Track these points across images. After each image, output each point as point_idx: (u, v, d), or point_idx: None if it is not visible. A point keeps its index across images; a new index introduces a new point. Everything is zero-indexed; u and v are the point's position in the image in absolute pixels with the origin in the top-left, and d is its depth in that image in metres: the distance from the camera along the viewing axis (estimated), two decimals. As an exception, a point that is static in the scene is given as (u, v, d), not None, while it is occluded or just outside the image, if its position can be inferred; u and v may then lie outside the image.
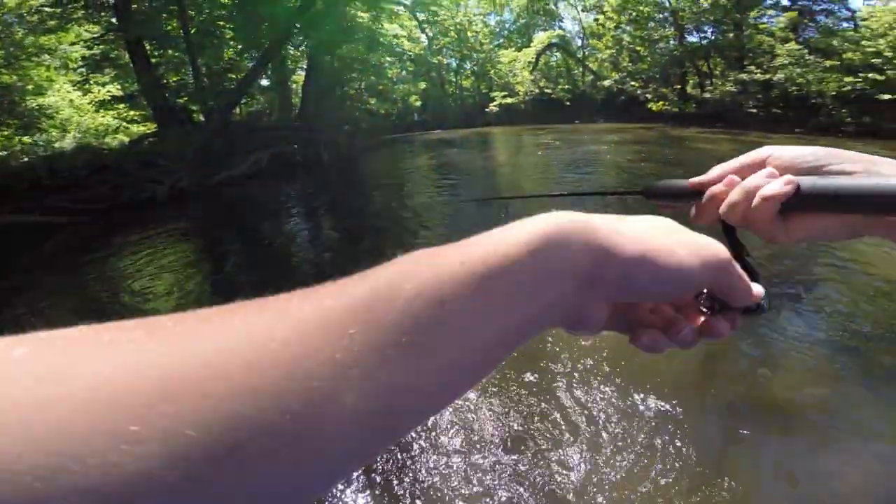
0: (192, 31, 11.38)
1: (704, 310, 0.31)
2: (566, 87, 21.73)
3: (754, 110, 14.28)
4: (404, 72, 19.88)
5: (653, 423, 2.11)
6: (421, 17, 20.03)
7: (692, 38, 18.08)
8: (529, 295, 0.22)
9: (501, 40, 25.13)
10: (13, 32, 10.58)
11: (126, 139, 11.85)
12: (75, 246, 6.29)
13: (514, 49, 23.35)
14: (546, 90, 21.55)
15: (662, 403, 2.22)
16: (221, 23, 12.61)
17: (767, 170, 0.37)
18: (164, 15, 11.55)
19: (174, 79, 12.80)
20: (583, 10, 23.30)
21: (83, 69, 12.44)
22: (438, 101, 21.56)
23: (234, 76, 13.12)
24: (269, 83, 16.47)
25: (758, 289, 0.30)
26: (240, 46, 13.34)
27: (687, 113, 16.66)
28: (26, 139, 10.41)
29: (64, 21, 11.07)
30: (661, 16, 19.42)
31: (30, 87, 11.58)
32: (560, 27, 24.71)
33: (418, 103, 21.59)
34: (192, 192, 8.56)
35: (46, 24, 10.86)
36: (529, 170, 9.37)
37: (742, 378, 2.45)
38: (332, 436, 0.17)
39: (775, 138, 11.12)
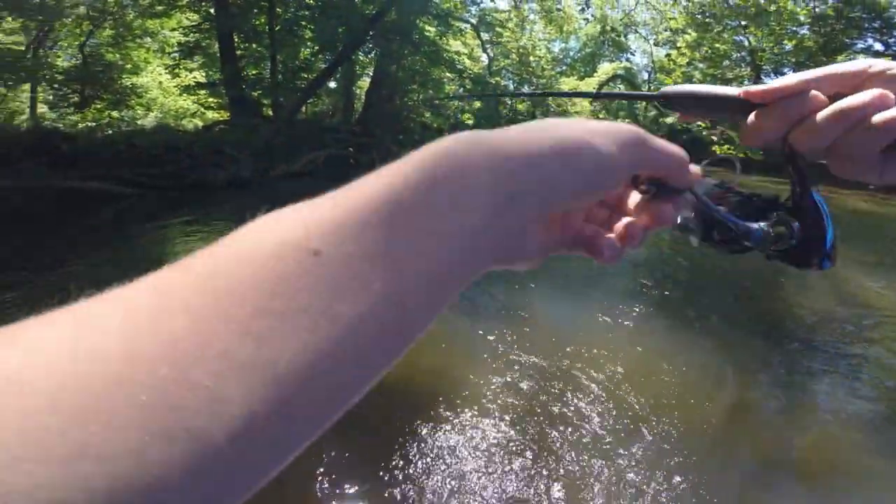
0: (277, 28, 12.15)
1: (644, 196, 0.28)
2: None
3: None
4: (461, 89, 20.24)
5: (672, 473, 1.96)
6: (485, 36, 20.33)
7: (769, 80, 17.21)
8: (431, 229, 0.19)
9: (564, 68, 25.06)
10: (125, 14, 11.72)
11: (200, 124, 12.75)
12: (135, 216, 6.93)
13: (576, 77, 23.19)
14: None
15: (685, 452, 2.06)
16: (303, 23, 13.37)
17: (876, 91, 0.28)
18: (255, 10, 12.40)
19: (253, 72, 13.68)
20: (655, 45, 22.83)
21: (176, 54, 13.56)
22: (490, 122, 21.73)
23: (306, 76, 13.84)
24: (335, 86, 17.31)
25: (694, 168, 0.29)
26: (316, 48, 14.08)
27: (754, 160, 15.75)
28: (115, 114, 11.44)
29: (170, 7, 12.13)
30: (738, 55, 18.68)
31: (128, 66, 12.79)
32: (627, 59, 24.32)
33: (470, 122, 21.84)
34: (250, 181, 9.05)
35: (154, 9, 11.93)
36: None
37: (772, 431, 2.25)
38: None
39: (850, 191, 10.25)
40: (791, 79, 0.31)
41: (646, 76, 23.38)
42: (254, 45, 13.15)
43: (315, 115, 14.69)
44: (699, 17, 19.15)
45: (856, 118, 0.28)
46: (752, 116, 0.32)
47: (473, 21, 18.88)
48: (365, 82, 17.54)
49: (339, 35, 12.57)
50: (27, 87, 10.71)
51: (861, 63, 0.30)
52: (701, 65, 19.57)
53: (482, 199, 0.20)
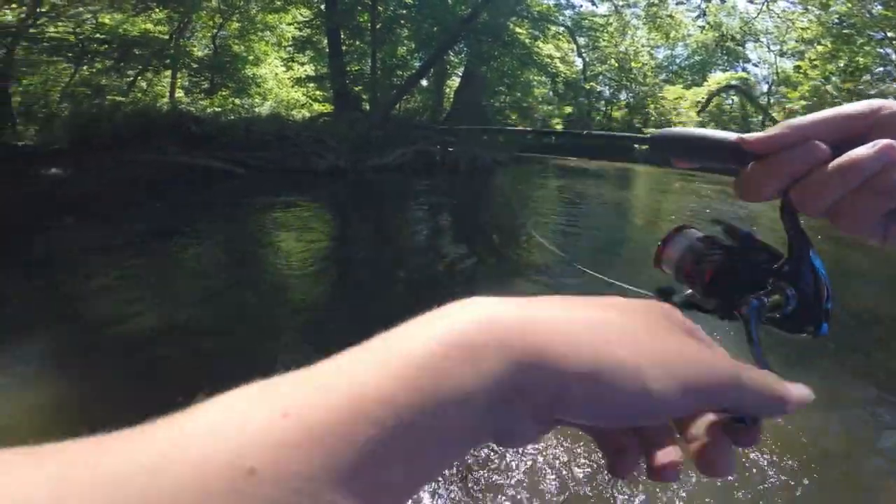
0: (378, 26, 12.77)
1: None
2: (733, 127, 19.30)
3: None
4: (551, 93, 19.69)
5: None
6: (581, 41, 19.59)
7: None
8: (415, 451, 0.16)
9: (668, 75, 23.39)
10: (250, 9, 13.04)
11: (307, 114, 13.80)
12: (245, 193, 7.80)
13: (682, 85, 21.53)
14: (713, 134, 19.46)
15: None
16: (403, 21, 13.91)
17: (881, 143, 0.23)
18: (359, 7, 13.14)
19: (355, 68, 14.52)
20: (780, 55, 20.44)
21: (290, 48, 14.81)
22: (581, 129, 20.86)
23: (401, 73, 14.38)
24: (427, 84, 17.80)
25: (800, 391, 0.22)
26: (412, 45, 14.59)
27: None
28: (237, 101, 12.76)
29: (287, 3, 13.27)
30: (882, 69, 16.16)
31: (250, 57, 14.20)
32: (744, 69, 22.06)
33: (559, 126, 21.22)
34: (345, 170, 9.61)
35: (274, 4, 13.12)
36: (667, 215, 8.43)
37: None
38: None
39: None
40: (792, 126, 0.26)
41: (765, 87, 21.07)
42: (357, 42, 13.98)
43: (407, 112, 15.22)
44: (836, 27, 16.84)
45: (857, 178, 0.24)
46: (749, 168, 0.28)
47: (568, 24, 18.32)
48: (454, 82, 17.86)
49: (434, 34, 12.88)
50: (168, 73, 12.35)
51: (869, 104, 0.26)
52: (835, 78, 17.19)
53: (481, 403, 0.17)
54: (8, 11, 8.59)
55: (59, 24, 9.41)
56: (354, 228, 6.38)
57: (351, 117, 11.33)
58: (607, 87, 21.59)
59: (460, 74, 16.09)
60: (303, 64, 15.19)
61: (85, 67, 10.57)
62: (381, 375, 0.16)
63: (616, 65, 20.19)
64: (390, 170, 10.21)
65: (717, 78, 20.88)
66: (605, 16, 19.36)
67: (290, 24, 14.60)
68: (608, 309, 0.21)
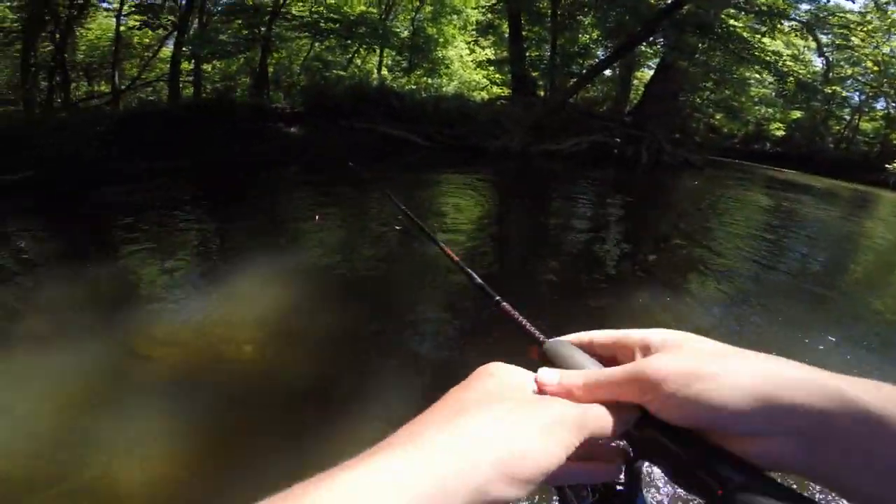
0: (559, 14, 12.35)
1: None
2: None
3: None
4: (774, 94, 16.32)
5: None
6: (824, 38, 15.58)
7: None
8: None
9: None
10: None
11: (486, 96, 14.34)
12: (428, 164, 8.64)
13: None
14: None
15: None
16: (586, 9, 13.15)
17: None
18: (540, -7, 12.86)
19: (535, 53, 14.42)
20: None
21: (475, 31, 15.46)
22: (809, 138, 16.93)
23: (582, 61, 13.73)
24: (609, 74, 16.62)
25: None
26: (596, 34, 13.73)
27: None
28: (429, 80, 13.95)
29: (477, -14, 13.84)
30: None
31: (441, 40, 15.28)
32: None
33: (779, 133, 17.49)
34: (515, 153, 9.76)
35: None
36: None
37: None
38: None
39: None
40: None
41: None
42: (537, 28, 13.78)
43: (586, 101, 14.55)
44: None
45: None
46: None
47: (804, 19, 14.74)
48: (644, 73, 16.23)
49: (626, 23, 11.79)
50: (377, 51, 14.09)
51: (615, 334, 0.32)
52: None
53: None
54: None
55: (300, 3, 11.46)
56: (510, 209, 6.47)
57: (526, 102, 11.35)
58: (857, 94, 17.01)
59: (653, 66, 14.56)
60: (484, 48, 15.71)
61: (317, 44, 12.80)
62: None
63: (875, 68, 15.71)
64: (562, 157, 9.98)
65: None
66: (860, 12, 15.13)
67: (474, 9, 15.18)
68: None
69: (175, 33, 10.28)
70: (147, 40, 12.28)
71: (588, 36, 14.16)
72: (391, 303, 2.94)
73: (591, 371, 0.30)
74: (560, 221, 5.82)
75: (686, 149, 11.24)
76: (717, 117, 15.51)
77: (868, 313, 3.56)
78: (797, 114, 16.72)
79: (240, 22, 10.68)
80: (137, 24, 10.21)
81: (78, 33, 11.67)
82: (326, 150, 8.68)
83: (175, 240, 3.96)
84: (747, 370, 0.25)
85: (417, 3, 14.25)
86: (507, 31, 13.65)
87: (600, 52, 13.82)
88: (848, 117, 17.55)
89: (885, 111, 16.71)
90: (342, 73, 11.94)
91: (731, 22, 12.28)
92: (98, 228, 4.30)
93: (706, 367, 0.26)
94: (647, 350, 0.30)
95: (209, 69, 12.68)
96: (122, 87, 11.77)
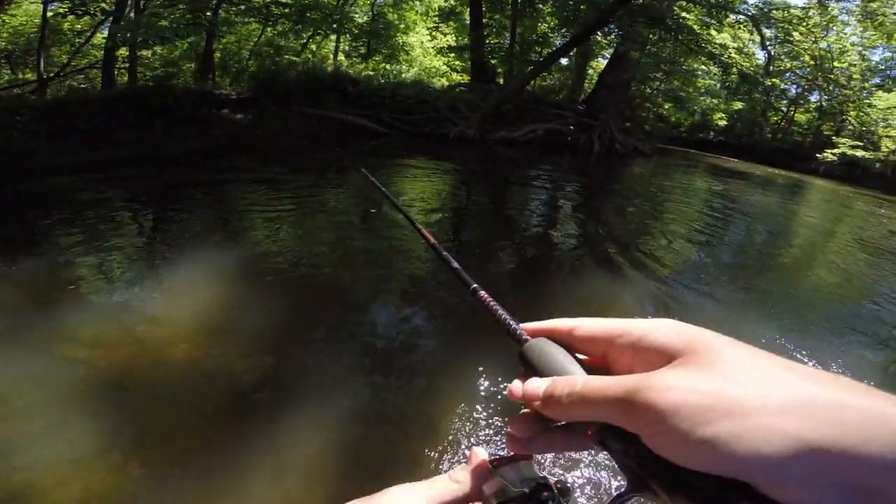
0: (519, 1, 12.43)
1: None
2: None
3: None
4: (718, 85, 17.13)
5: None
6: (768, 32, 16.53)
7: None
8: None
9: (884, 80, 18.81)
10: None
11: (446, 83, 14.24)
12: (386, 151, 8.50)
13: None
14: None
15: None
16: None
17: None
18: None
19: (494, 41, 14.44)
20: None
21: (436, 17, 15.29)
22: (749, 128, 17.96)
23: (540, 50, 13.90)
24: (566, 63, 16.91)
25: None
26: (553, 23, 13.91)
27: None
28: (388, 66, 13.68)
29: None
30: None
31: (402, 25, 15.00)
32: None
33: (722, 122, 18.42)
34: (473, 139, 9.80)
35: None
36: (837, 242, 6.53)
37: None
38: None
39: None
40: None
41: None
42: (497, 16, 13.81)
43: (543, 89, 14.74)
44: None
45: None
46: None
47: (750, 13, 15.58)
48: (599, 63, 16.61)
49: (581, 12, 12.03)
50: (333, 37, 13.66)
51: (607, 325, 0.27)
52: None
53: None
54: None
55: None
56: (470, 193, 6.54)
57: (484, 89, 11.38)
58: (794, 87, 18.11)
59: (608, 56, 14.93)
60: (446, 34, 15.60)
61: (269, 29, 12.24)
62: None
63: (811, 62, 16.78)
64: (518, 144, 10.11)
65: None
66: (803, 8, 16.13)
67: (437, -5, 15.04)
68: None
69: (110, 19, 9.55)
70: (79, 26, 11.34)
71: (547, 24, 14.33)
72: (350, 296, 2.88)
73: (580, 382, 0.24)
74: (518, 206, 5.94)
75: (636, 137, 11.65)
76: (666, 107, 16.17)
77: (798, 291, 3.89)
78: (739, 105, 17.70)
79: (183, 7, 10.03)
80: (63, 11, 9.38)
81: (0, 20, 10.61)
82: (278, 136, 8.38)
83: (108, 236, 3.71)
84: (790, 400, 0.19)
85: (377, -12, 13.89)
86: (469, 17, 13.60)
87: (558, 41, 14.03)
88: (785, 109, 18.73)
89: (818, 103, 17.96)
90: (295, 58, 11.49)
91: (684, 14, 12.76)
92: (23, 225, 3.97)
93: (734, 396, 0.19)
94: (647, 354, 0.23)
95: (148, 55, 11.89)
96: (50, 74, 10.84)
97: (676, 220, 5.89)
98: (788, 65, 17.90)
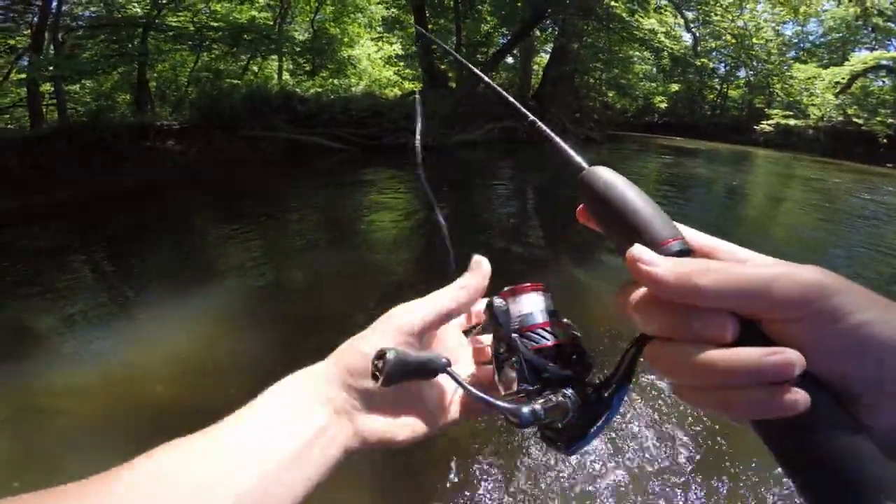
0: (460, 3, 12.62)
1: None
2: (888, 121, 16.42)
3: None
4: (654, 69, 18.02)
5: None
6: (689, 15, 17.59)
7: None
8: None
9: (799, 53, 20.47)
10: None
11: (399, 93, 14.19)
12: (343, 167, 8.31)
13: (816, 64, 18.76)
14: (855, 119, 16.77)
15: None
16: None
17: (783, 358, 0.20)
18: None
19: (441, 46, 14.52)
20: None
21: (381, 28, 15.23)
22: (689, 108, 18.99)
23: (486, 50, 14.14)
24: (513, 61, 17.33)
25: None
26: (494, 22, 14.23)
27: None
28: (336, 81, 13.49)
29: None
30: None
31: (345, 39, 14.84)
32: (898, 48, 18.57)
33: (663, 105, 19.41)
34: (432, 146, 9.78)
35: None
36: (789, 205, 7.23)
37: None
38: None
39: None
40: (714, 284, 0.22)
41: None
42: (441, 20, 13.97)
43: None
44: None
45: (739, 382, 0.21)
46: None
47: None
48: (543, 58, 17.13)
49: (518, 10, 12.38)
50: (275, 57, 13.31)
51: (769, 280, 0.22)
52: None
53: None
54: (136, 5, 9.78)
55: (180, 14, 10.50)
56: (438, 197, 6.53)
57: (438, 94, 11.44)
58: (724, 65, 19.28)
59: (549, 50, 15.40)
60: (393, 43, 15.58)
61: (205, 54, 11.80)
62: None
63: (733, 41, 17.95)
64: (477, 145, 10.21)
65: (862, 57, 17.80)
66: None
67: (378, 4, 14.98)
68: None
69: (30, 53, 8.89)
70: (-3, 64, 10.50)
71: (488, 24, 14.62)
72: (327, 321, 2.79)
73: (722, 265, 0.22)
74: (489, 205, 5.98)
75: (586, 127, 12.03)
76: (610, 95, 16.87)
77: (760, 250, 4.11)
78: (675, 86, 18.71)
79: (104, 37, 9.52)
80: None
81: None
82: (228, 164, 8.06)
83: (65, 284, 3.44)
84: None
85: (316, 4, 13.66)
86: (413, 24, 13.63)
87: (501, 40, 14.35)
88: (718, 87, 19.95)
89: (746, 79, 19.26)
90: (236, 81, 11.12)
91: (612, 3, 13.34)
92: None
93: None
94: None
95: (77, 89, 11.17)
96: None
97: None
98: (714, 44, 19.03)
